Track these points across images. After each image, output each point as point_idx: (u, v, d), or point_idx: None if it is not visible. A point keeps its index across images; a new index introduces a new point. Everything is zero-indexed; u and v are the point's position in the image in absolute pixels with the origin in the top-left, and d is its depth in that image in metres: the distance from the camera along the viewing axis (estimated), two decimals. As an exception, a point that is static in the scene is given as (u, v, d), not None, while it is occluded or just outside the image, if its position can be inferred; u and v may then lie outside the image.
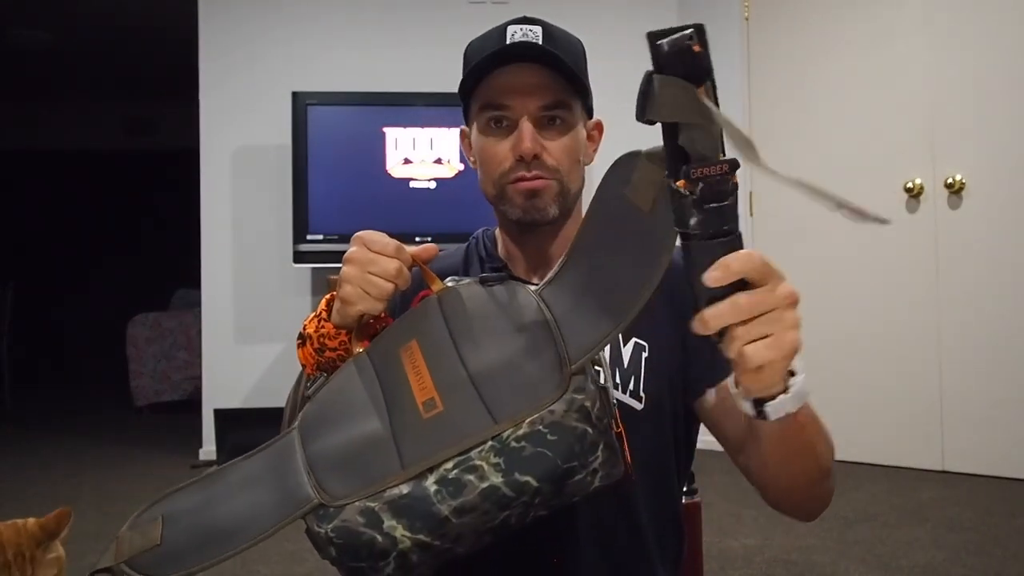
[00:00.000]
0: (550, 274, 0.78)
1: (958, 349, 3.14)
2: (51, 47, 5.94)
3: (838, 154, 3.45)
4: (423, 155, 3.55)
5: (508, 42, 0.94)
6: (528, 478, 0.67)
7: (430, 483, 0.68)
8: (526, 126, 0.94)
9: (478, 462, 0.68)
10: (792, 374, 0.66)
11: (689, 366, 0.97)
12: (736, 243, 0.60)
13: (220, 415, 3.62)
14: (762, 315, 0.60)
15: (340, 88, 3.71)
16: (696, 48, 0.56)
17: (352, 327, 0.82)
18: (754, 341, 0.60)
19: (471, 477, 0.67)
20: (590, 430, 0.68)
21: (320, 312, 0.86)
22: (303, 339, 0.87)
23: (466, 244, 1.12)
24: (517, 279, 1.03)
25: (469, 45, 0.99)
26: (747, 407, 0.67)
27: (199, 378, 3.91)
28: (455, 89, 1.01)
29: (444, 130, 3.57)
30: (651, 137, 0.62)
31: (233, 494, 0.73)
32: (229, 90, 3.85)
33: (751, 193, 3.70)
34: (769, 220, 3.66)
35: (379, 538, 0.67)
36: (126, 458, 3.93)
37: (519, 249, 1.03)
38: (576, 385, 0.69)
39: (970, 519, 2.55)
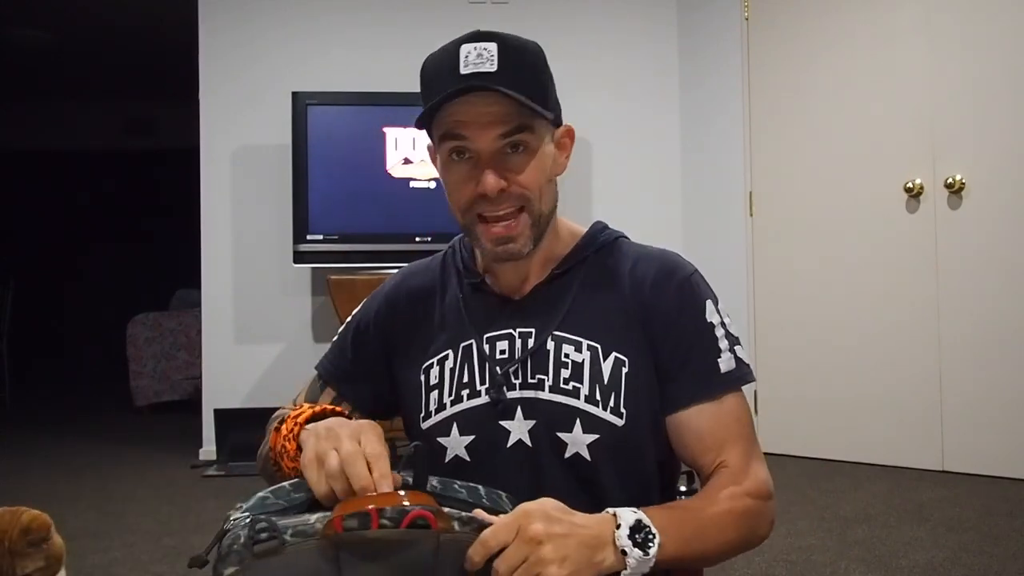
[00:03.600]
0: None
1: (958, 349, 3.13)
2: (51, 47, 5.94)
3: (838, 154, 3.45)
4: (423, 155, 3.54)
5: (461, 71, 0.89)
6: None
7: None
8: (487, 170, 0.90)
9: None
10: (625, 553, 0.75)
11: (664, 384, 0.97)
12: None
13: (220, 415, 3.62)
14: (524, 562, 0.70)
15: (340, 88, 3.71)
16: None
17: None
18: None
19: None
20: None
21: (293, 429, 0.88)
22: (278, 430, 0.91)
23: (442, 253, 1.09)
24: (494, 294, 1.03)
25: (424, 64, 0.95)
26: None
27: (199, 378, 3.91)
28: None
29: (444, 130, 3.57)
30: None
31: None
32: (229, 90, 3.85)
33: (751, 193, 3.70)
34: (769, 220, 3.66)
35: None
36: (126, 458, 3.92)
37: (497, 268, 1.02)
38: None
39: (970, 519, 2.55)
